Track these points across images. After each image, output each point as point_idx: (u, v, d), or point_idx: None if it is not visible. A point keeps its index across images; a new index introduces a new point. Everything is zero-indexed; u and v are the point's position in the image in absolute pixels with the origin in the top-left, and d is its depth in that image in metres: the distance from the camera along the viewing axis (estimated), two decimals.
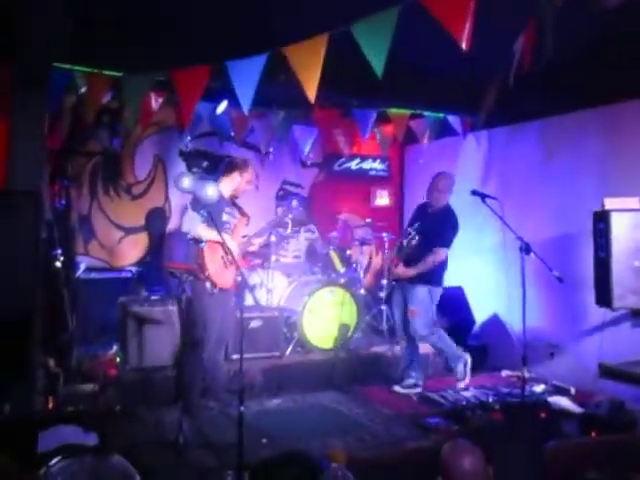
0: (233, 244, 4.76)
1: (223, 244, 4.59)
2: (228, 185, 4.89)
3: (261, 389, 5.34)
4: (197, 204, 4.65)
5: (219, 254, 4.74)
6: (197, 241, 4.66)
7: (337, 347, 5.91)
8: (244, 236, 5.07)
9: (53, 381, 4.45)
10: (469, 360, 5.49)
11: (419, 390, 5.50)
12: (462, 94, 5.99)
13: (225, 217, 4.83)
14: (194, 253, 4.73)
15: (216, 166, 6.71)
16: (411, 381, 5.56)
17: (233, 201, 4.98)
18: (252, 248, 5.14)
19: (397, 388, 5.55)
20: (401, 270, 5.36)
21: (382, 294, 5.82)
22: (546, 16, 3.51)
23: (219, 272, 4.68)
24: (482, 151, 6.89)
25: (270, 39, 4.03)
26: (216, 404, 4.90)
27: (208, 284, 4.60)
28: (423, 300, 5.35)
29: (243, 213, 5.04)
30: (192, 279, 4.76)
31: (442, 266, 5.39)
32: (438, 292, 5.44)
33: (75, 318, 5.37)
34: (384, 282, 7.10)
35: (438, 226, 5.31)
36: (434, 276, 5.36)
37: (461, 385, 5.42)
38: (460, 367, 5.45)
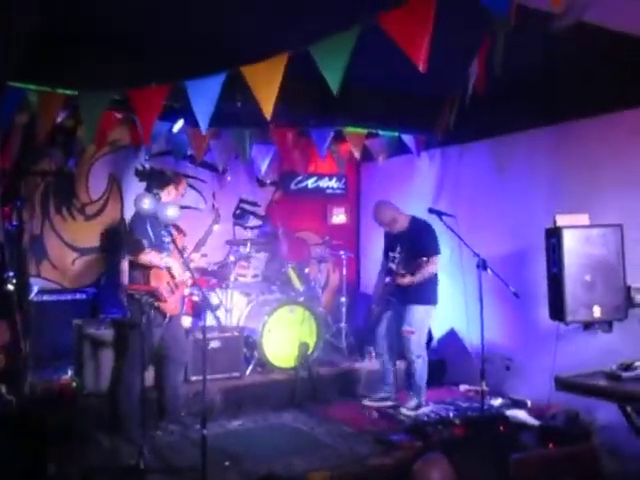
0: (176, 264, 4.73)
1: (169, 268, 4.58)
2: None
3: (221, 410, 5.29)
4: (140, 228, 4.61)
5: (165, 279, 4.70)
6: (143, 267, 4.62)
7: (298, 366, 5.89)
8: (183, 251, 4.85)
9: (6, 408, 4.30)
10: (422, 406, 5.45)
11: (389, 403, 5.55)
12: (416, 113, 6.11)
13: (165, 237, 4.77)
14: (138, 279, 4.67)
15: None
16: (383, 394, 5.62)
17: None
18: (193, 264, 4.96)
19: (367, 402, 5.60)
20: (407, 279, 5.27)
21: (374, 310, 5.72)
22: (497, 36, 3.61)
23: (167, 298, 4.66)
24: (435, 169, 7.03)
25: (229, 58, 4.04)
26: (176, 427, 4.83)
27: (154, 311, 4.51)
28: (419, 320, 5.39)
29: (179, 229, 4.99)
30: (130, 303, 4.63)
31: (435, 281, 5.45)
32: (433, 311, 5.50)
33: (28, 342, 5.22)
34: (343, 299, 7.16)
35: (417, 238, 5.37)
36: (430, 294, 5.42)
37: (404, 412, 5.38)
38: (413, 403, 5.41)
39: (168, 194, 4.86)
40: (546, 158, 5.65)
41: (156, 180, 4.80)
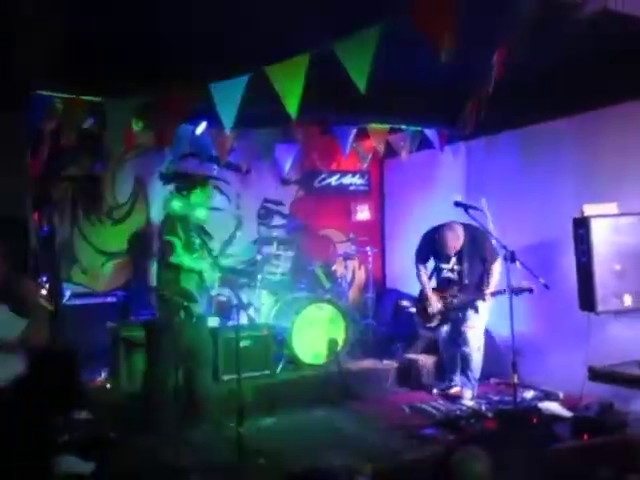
0: (205, 266, 4.76)
1: (199, 272, 4.62)
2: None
3: (254, 409, 5.31)
4: (170, 230, 4.65)
5: (194, 280, 4.74)
6: (173, 268, 4.68)
7: (327, 363, 5.92)
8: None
9: None
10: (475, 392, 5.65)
11: (454, 390, 5.72)
12: (439, 107, 6.09)
13: (195, 239, 4.79)
14: (168, 280, 4.72)
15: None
16: (448, 384, 5.80)
17: None
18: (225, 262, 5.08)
19: (435, 390, 5.86)
20: (489, 295, 5.44)
21: (433, 322, 5.79)
22: (521, 26, 3.60)
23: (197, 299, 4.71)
24: (459, 162, 7.00)
25: (252, 59, 4.08)
26: (209, 426, 4.87)
27: (183, 312, 4.55)
28: (478, 314, 5.58)
29: (205, 231, 5.03)
30: (161, 305, 4.70)
31: None
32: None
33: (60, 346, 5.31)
34: (369, 296, 7.17)
35: (476, 247, 5.51)
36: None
37: (464, 402, 5.51)
38: (470, 394, 5.58)
39: (196, 197, 4.89)
40: (573, 148, 5.59)
41: (182, 182, 4.83)
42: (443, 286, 5.69)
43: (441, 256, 5.68)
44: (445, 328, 5.78)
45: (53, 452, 3.34)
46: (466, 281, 5.56)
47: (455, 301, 5.58)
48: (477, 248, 5.52)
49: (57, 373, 3.84)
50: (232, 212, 5.39)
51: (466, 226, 5.50)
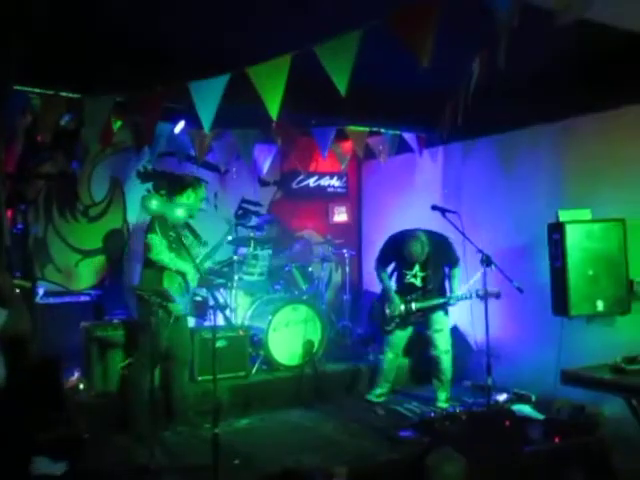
0: (187, 267, 4.74)
1: (183, 274, 4.60)
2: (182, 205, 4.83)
3: (229, 409, 5.30)
4: (150, 228, 4.63)
5: (177, 281, 4.72)
6: (157, 267, 4.65)
7: (303, 364, 5.92)
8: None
9: None
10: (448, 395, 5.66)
11: (384, 398, 5.73)
12: (419, 111, 6.14)
13: (184, 240, 4.79)
14: (150, 279, 4.70)
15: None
16: (380, 390, 5.76)
17: (187, 222, 4.94)
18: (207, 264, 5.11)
19: (369, 397, 5.75)
20: (454, 299, 5.51)
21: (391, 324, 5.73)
22: (500, 33, 3.64)
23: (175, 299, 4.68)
24: (438, 167, 7.05)
25: (233, 59, 4.07)
26: (184, 427, 4.85)
27: (162, 312, 4.54)
28: (445, 317, 5.65)
29: (195, 234, 5.02)
30: (139, 304, 4.70)
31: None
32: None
33: (35, 344, 5.24)
34: (346, 297, 7.19)
35: (439, 255, 5.55)
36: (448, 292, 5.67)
37: (439, 405, 5.56)
38: (444, 396, 5.59)
39: (187, 198, 4.86)
40: (549, 154, 5.68)
41: (175, 183, 4.82)
42: (405, 291, 5.67)
43: (404, 262, 5.67)
44: (404, 333, 5.72)
45: (28, 454, 3.29)
46: (429, 287, 5.58)
47: (415, 305, 5.59)
48: (441, 255, 5.55)
49: (39, 379, 3.79)
50: (224, 216, 5.37)
51: (430, 233, 5.53)
